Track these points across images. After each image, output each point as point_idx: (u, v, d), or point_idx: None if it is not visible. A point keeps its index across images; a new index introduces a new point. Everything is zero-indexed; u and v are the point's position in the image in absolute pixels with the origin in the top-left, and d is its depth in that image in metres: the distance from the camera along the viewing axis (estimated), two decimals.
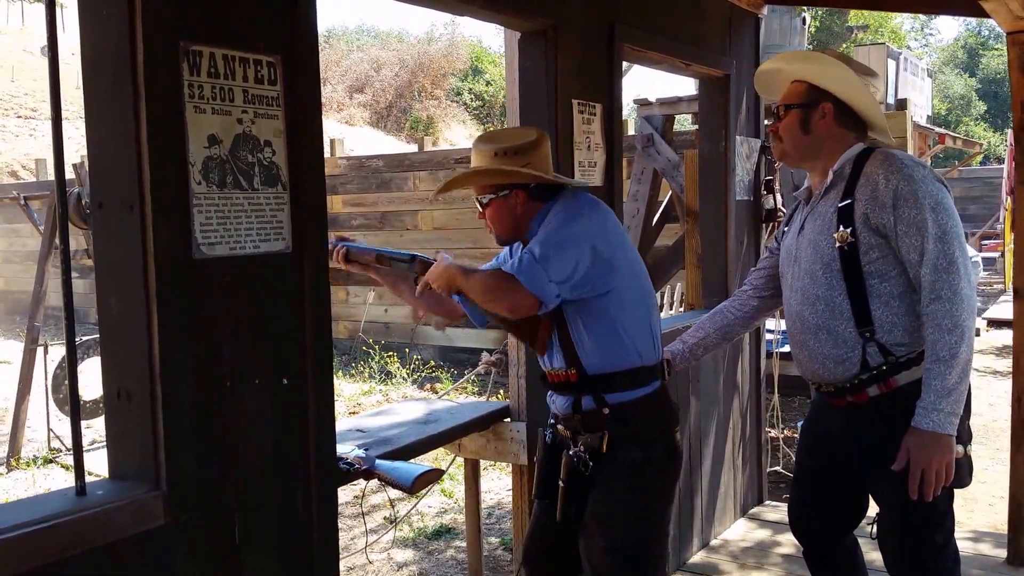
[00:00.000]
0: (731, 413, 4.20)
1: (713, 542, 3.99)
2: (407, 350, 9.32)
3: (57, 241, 7.18)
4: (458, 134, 23.79)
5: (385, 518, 4.90)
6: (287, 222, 1.92)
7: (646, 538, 2.18)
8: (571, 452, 2.18)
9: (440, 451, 3.18)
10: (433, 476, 2.26)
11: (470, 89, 25.66)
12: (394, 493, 5.29)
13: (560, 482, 2.20)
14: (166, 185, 1.67)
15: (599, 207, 2.18)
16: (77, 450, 1.66)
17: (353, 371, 9.16)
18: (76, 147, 19.09)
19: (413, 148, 17.10)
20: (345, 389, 8.31)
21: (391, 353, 8.97)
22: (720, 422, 4.08)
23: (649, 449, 2.17)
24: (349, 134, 18.90)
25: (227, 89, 1.80)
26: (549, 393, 2.32)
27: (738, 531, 4.13)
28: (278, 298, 1.91)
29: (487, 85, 25.98)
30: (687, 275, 4.69)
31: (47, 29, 1.68)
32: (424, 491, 4.86)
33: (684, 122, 11.59)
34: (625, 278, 2.15)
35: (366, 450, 2.32)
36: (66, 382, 6.26)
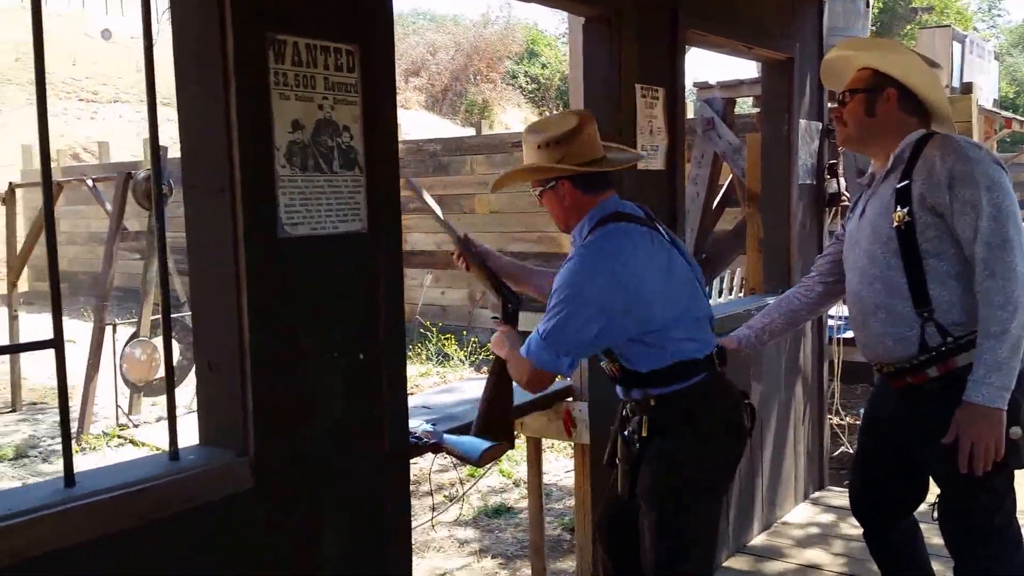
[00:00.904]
0: (793, 398, 4.20)
1: (774, 526, 4.01)
2: (464, 332, 9.42)
3: (126, 224, 7.42)
4: (513, 117, 23.81)
5: (446, 496, 5.00)
6: (363, 203, 2.00)
7: (687, 520, 2.21)
8: (624, 432, 2.28)
9: None
10: (500, 451, 2.32)
11: (526, 72, 25.62)
12: (455, 473, 5.40)
13: (617, 460, 2.32)
14: (254, 169, 1.76)
15: (608, 258, 2.08)
16: (171, 418, 1.77)
17: (411, 352, 9.30)
18: (137, 130, 19.59)
19: (468, 132, 17.18)
20: None
21: (448, 335, 9.08)
22: (782, 407, 4.09)
23: (684, 441, 2.19)
24: (405, 118, 19.03)
25: (309, 77, 1.88)
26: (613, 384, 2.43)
27: (799, 515, 4.15)
28: (355, 276, 1.99)
29: (543, 68, 25.92)
30: (748, 259, 4.68)
31: (143, 21, 1.77)
32: (485, 469, 4.97)
33: (745, 105, 11.44)
34: (650, 307, 2.10)
35: (433, 425, 2.39)
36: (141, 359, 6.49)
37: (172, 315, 7.33)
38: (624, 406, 2.33)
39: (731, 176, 7.26)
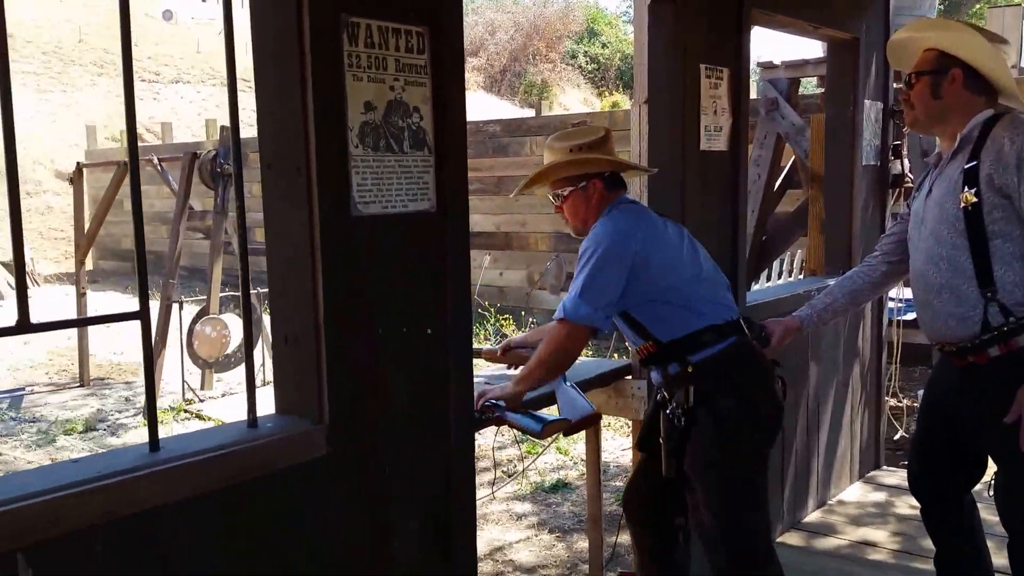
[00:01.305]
0: (851, 378, 4.18)
1: (829, 503, 4.01)
2: (523, 313, 9.48)
3: (191, 203, 7.59)
4: (572, 98, 23.71)
5: (503, 472, 5.08)
6: (432, 183, 2.05)
7: (740, 483, 2.31)
8: (667, 411, 2.34)
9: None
10: (559, 426, 2.36)
11: (585, 52, 25.43)
12: (514, 450, 5.47)
13: (660, 440, 2.37)
14: (328, 149, 1.81)
15: (623, 222, 2.32)
16: (250, 386, 1.85)
17: None
18: (199, 111, 20.00)
19: (527, 113, 17.15)
20: None
21: (506, 316, 9.14)
22: (839, 387, 4.07)
23: (732, 400, 2.28)
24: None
25: (381, 58, 1.93)
26: (649, 370, 2.55)
27: (854, 493, 4.15)
28: (423, 254, 2.05)
29: (603, 48, 25.70)
30: (809, 241, 4.64)
31: (223, 4, 1.84)
32: (544, 446, 5.02)
33: (809, 85, 11.24)
34: (663, 270, 2.31)
35: (495, 402, 2.43)
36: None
37: (235, 293, 7.52)
38: (660, 388, 2.43)
39: (793, 157, 7.16)
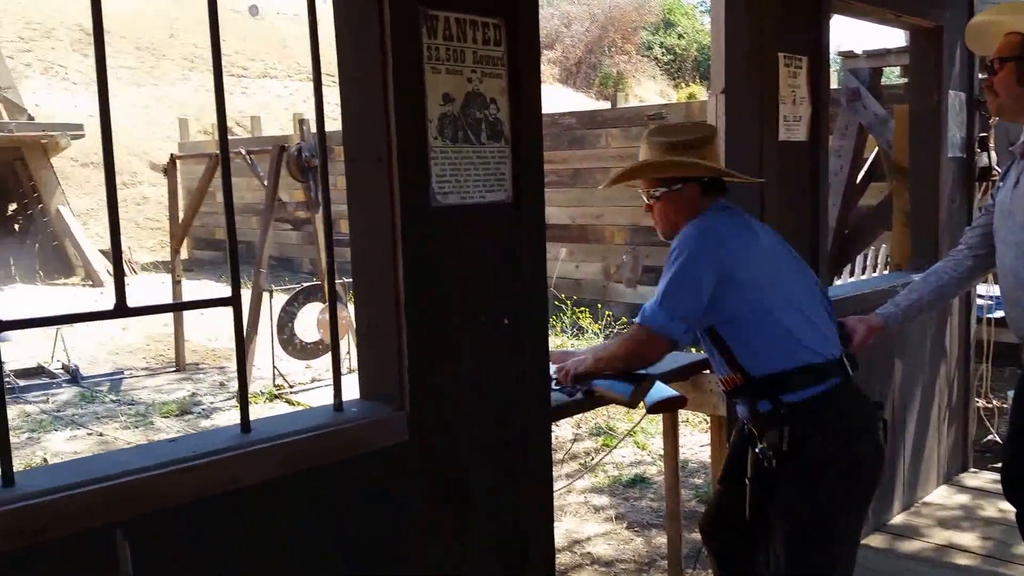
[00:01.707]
0: (937, 379, 4.06)
1: (914, 506, 3.92)
2: (599, 306, 9.47)
3: (277, 195, 7.81)
4: (648, 89, 23.49)
5: (581, 464, 5.10)
6: (508, 174, 2.07)
7: (831, 538, 2.12)
8: (756, 449, 2.16)
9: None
10: (648, 386, 2.29)
11: (661, 43, 25.17)
12: (590, 443, 5.49)
13: (747, 479, 2.21)
14: (409, 140, 1.86)
15: (714, 225, 2.15)
16: (336, 372, 1.91)
17: None
18: (286, 105, 20.48)
19: (602, 105, 17.07)
20: None
21: (583, 309, 9.14)
22: (925, 387, 3.97)
23: (831, 447, 2.08)
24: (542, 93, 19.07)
25: (459, 50, 1.96)
26: (733, 402, 2.35)
27: (940, 496, 4.04)
28: (500, 243, 2.08)
29: (679, 38, 25.39)
30: (894, 235, 4.53)
31: (308, 4, 1.90)
32: (619, 441, 5.02)
33: (892, 75, 10.90)
34: (757, 288, 2.10)
35: (575, 386, 2.39)
36: (289, 324, 6.89)
37: (314, 283, 7.69)
38: (747, 423, 2.24)
39: (876, 149, 6.98)
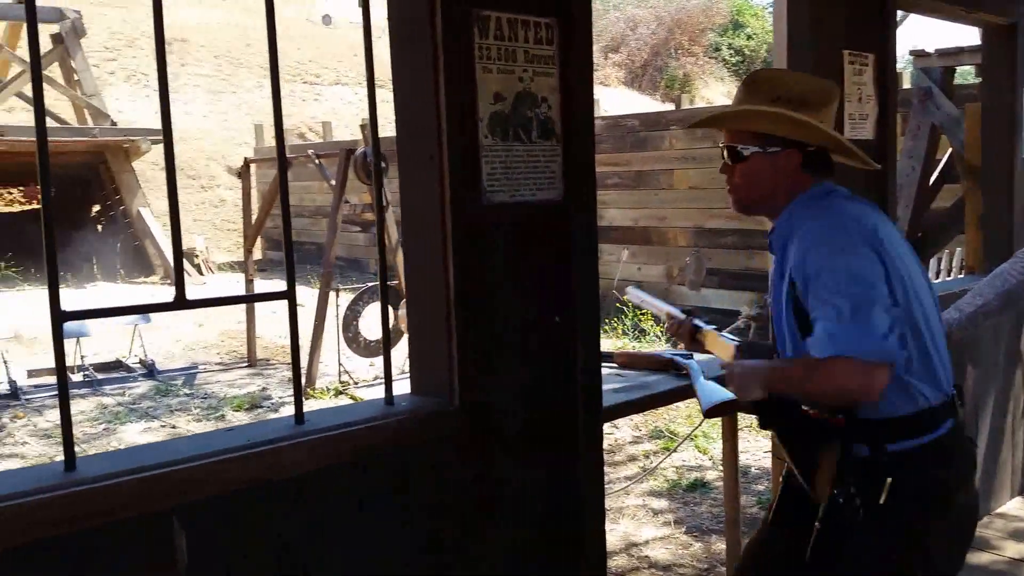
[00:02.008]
0: (1012, 386, 3.93)
1: (987, 517, 3.80)
2: None
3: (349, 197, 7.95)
4: (715, 92, 23.20)
5: (640, 467, 5.06)
6: (559, 173, 2.08)
7: None
8: (836, 491, 1.74)
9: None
10: (725, 408, 2.08)
11: (730, 44, 24.85)
12: (648, 445, 5.45)
13: (816, 523, 1.79)
14: (459, 139, 1.88)
15: (854, 209, 1.76)
16: (387, 367, 1.95)
17: (606, 327, 9.38)
18: (356, 110, 20.84)
19: (668, 107, 16.93)
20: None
21: (644, 312, 9.08)
22: (999, 394, 3.84)
23: (937, 506, 1.75)
24: (604, 94, 19.03)
25: (510, 50, 1.98)
26: None
27: (1014, 507, 3.92)
28: (551, 242, 2.08)
29: (748, 40, 25.03)
30: (967, 237, 4.40)
31: (361, 4, 1.94)
32: (679, 444, 4.97)
33: (967, 75, 10.57)
34: (909, 302, 1.70)
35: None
36: (354, 322, 7.01)
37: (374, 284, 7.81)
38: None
39: (950, 150, 6.77)
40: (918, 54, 7.00)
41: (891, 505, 1.70)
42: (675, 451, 5.05)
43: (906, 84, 8.83)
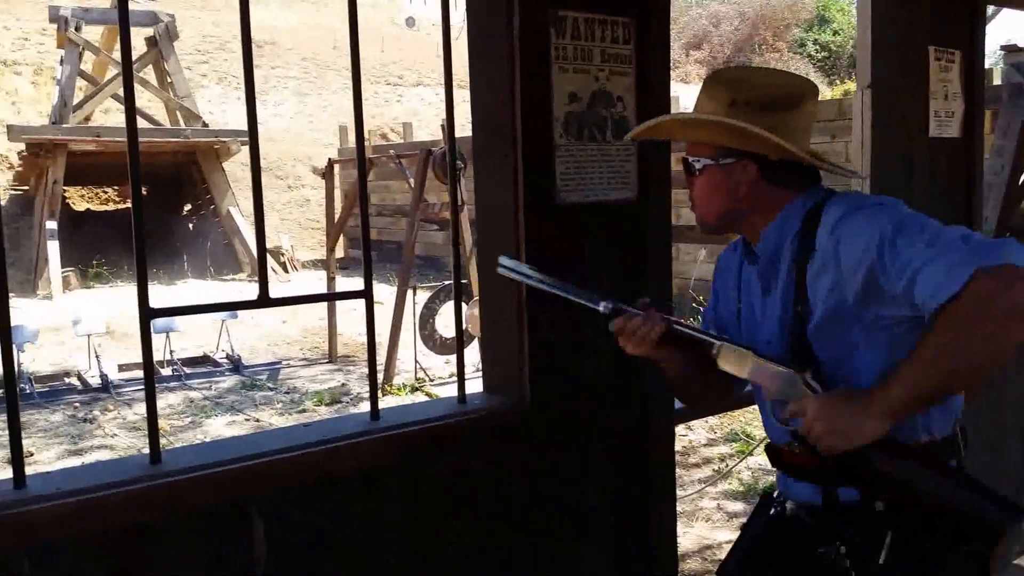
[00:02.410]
0: None
1: None
2: None
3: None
4: None
5: (715, 470, 5.00)
6: (634, 172, 2.07)
7: None
8: (823, 551, 1.45)
9: None
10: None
11: (815, 40, 24.27)
12: (724, 448, 5.37)
13: None
14: (534, 138, 1.89)
15: (875, 198, 1.46)
16: (460, 365, 1.98)
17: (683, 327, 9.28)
18: (436, 111, 21.10)
19: None
20: None
21: None
22: None
23: (948, 563, 1.38)
24: (684, 92, 18.80)
25: (586, 49, 1.98)
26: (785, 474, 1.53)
27: None
28: (624, 241, 2.08)
29: (834, 35, 24.40)
30: None
31: (441, 5, 1.97)
32: (755, 447, 4.89)
33: None
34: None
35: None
36: (430, 320, 7.11)
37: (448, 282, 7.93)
38: (804, 511, 1.52)
39: None
40: (1009, 49, 6.72)
41: (891, 564, 1.36)
42: (750, 454, 4.96)
43: (996, 80, 8.47)
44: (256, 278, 8.82)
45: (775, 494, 1.58)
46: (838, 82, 22.86)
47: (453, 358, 7.73)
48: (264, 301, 1.74)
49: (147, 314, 1.57)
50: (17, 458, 1.45)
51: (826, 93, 22.16)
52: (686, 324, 1.55)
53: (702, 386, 1.62)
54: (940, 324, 1.22)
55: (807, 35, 24.31)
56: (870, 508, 1.36)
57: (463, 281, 7.74)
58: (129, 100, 1.59)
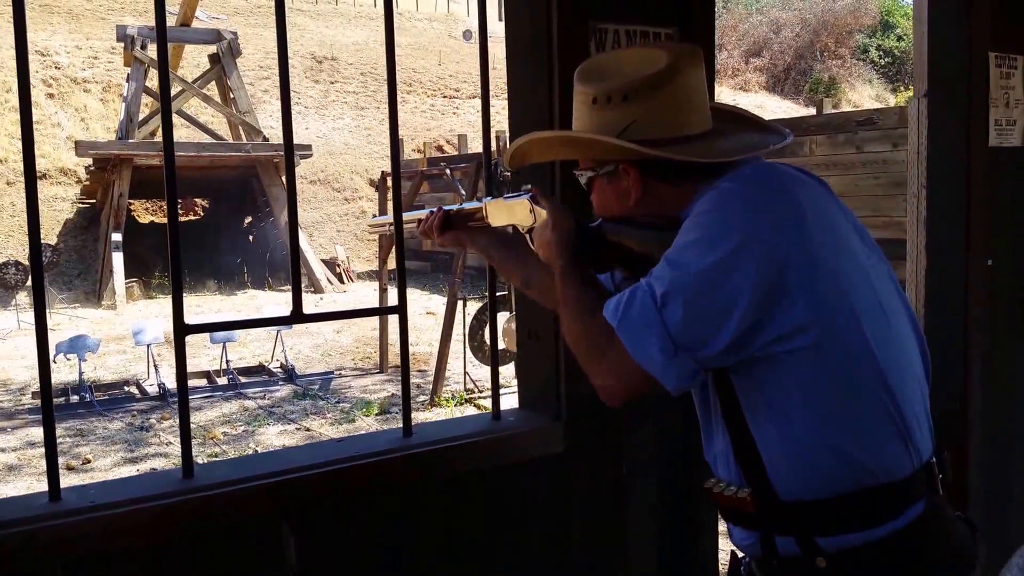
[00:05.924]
0: None
1: None
2: None
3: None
4: (863, 95, 22.28)
5: None
6: None
7: None
8: None
9: None
10: None
11: (878, 46, 23.83)
12: None
13: None
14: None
15: (787, 191, 1.21)
16: (494, 382, 1.95)
17: None
18: (492, 123, 21.27)
19: (811, 111, 16.37)
20: None
21: None
22: None
23: None
24: (744, 100, 18.61)
25: None
26: (729, 524, 1.32)
27: None
28: None
29: (898, 40, 23.92)
30: None
31: (479, 17, 1.96)
32: None
33: None
34: (846, 317, 1.15)
35: None
36: (480, 331, 7.12)
37: (505, 292, 7.91)
38: (744, 563, 1.36)
39: None
40: None
41: None
42: None
43: None
44: (313, 289, 9.07)
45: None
46: (902, 88, 22.39)
47: (503, 369, 7.82)
48: (298, 317, 1.74)
49: (182, 330, 1.59)
50: (52, 471, 1.47)
51: (889, 100, 21.73)
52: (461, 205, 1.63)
53: (533, 269, 1.56)
54: (584, 299, 1.29)
55: (870, 41, 23.87)
56: (809, 563, 1.20)
57: (503, 293, 7.76)
58: (166, 119, 1.60)
